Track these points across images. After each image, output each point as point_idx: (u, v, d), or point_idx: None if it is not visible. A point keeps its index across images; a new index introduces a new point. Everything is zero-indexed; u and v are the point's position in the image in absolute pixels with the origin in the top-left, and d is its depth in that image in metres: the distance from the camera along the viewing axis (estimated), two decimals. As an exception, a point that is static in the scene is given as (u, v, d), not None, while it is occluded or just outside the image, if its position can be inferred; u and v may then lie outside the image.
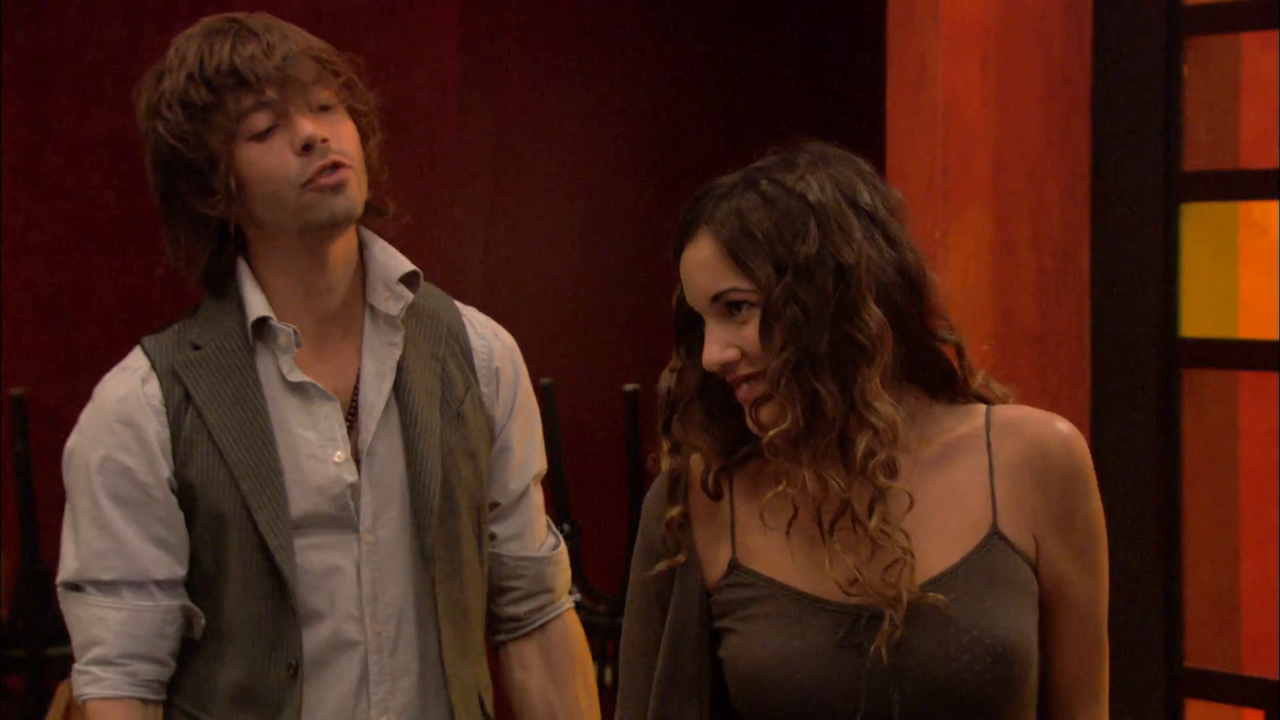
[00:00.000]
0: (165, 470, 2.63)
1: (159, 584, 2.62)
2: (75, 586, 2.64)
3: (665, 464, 2.37)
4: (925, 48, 3.69)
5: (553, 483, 5.02)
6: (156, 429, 2.64)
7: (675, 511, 2.35)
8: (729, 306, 2.29)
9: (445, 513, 2.70)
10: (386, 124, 6.30)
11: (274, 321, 2.67)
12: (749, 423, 2.30)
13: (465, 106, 5.96)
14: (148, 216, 6.13)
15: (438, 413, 2.73)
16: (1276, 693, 3.64)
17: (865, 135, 4.63)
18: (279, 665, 2.63)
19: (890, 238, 2.30)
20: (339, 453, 2.67)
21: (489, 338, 2.89)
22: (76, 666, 2.62)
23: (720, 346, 2.30)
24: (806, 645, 2.28)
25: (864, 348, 2.27)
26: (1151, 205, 3.73)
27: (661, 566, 2.36)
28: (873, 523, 2.24)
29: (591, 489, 5.27)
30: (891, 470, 2.25)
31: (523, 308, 6.00)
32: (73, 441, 2.70)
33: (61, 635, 4.63)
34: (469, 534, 2.74)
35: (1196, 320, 3.73)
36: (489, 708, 2.80)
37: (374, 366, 2.71)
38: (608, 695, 4.83)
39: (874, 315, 2.27)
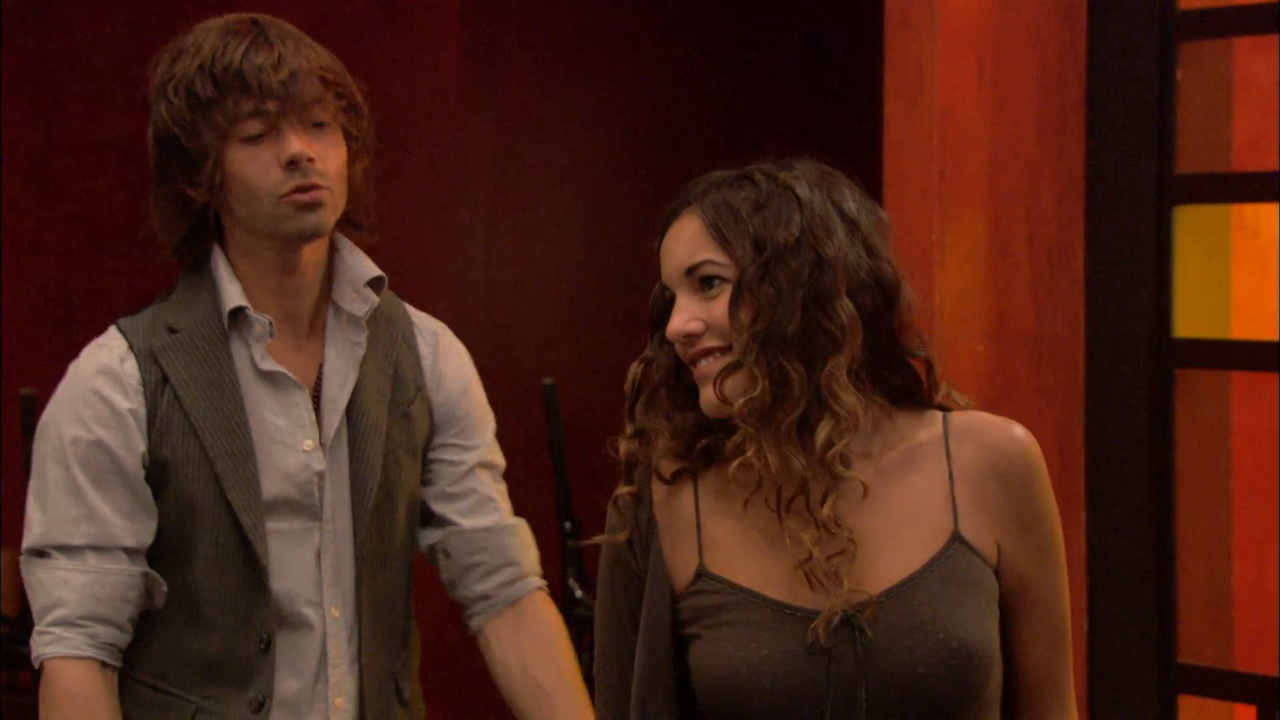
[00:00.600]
0: (140, 446, 2.66)
1: (126, 550, 2.63)
2: (40, 552, 2.64)
3: (624, 448, 2.37)
4: (922, 51, 3.68)
5: (554, 481, 5.01)
6: (132, 406, 2.67)
7: (626, 490, 2.36)
8: (702, 282, 2.30)
9: (381, 510, 2.77)
10: (389, 127, 6.29)
11: (250, 311, 2.72)
12: (709, 397, 2.29)
13: (467, 109, 5.94)
14: (156, 218, 6.11)
15: (386, 413, 2.79)
16: (1268, 688, 3.64)
17: (863, 137, 4.61)
18: (251, 639, 2.67)
19: (870, 248, 2.31)
20: (308, 441, 2.72)
21: (433, 341, 2.94)
22: (37, 629, 2.63)
23: (687, 318, 2.31)
24: (774, 652, 2.26)
25: (833, 336, 2.27)
26: (1145, 207, 3.72)
27: (598, 539, 2.37)
28: (824, 510, 2.25)
29: (593, 488, 5.24)
30: (847, 461, 2.25)
31: (525, 308, 5.98)
32: (48, 414, 2.73)
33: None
34: (402, 529, 2.81)
35: (1190, 321, 3.72)
36: (408, 694, 2.87)
37: (338, 362, 2.77)
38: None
39: (845, 308, 2.28)
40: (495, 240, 5.97)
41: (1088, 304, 3.76)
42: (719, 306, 2.29)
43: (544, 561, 5.43)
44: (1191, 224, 3.73)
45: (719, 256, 2.30)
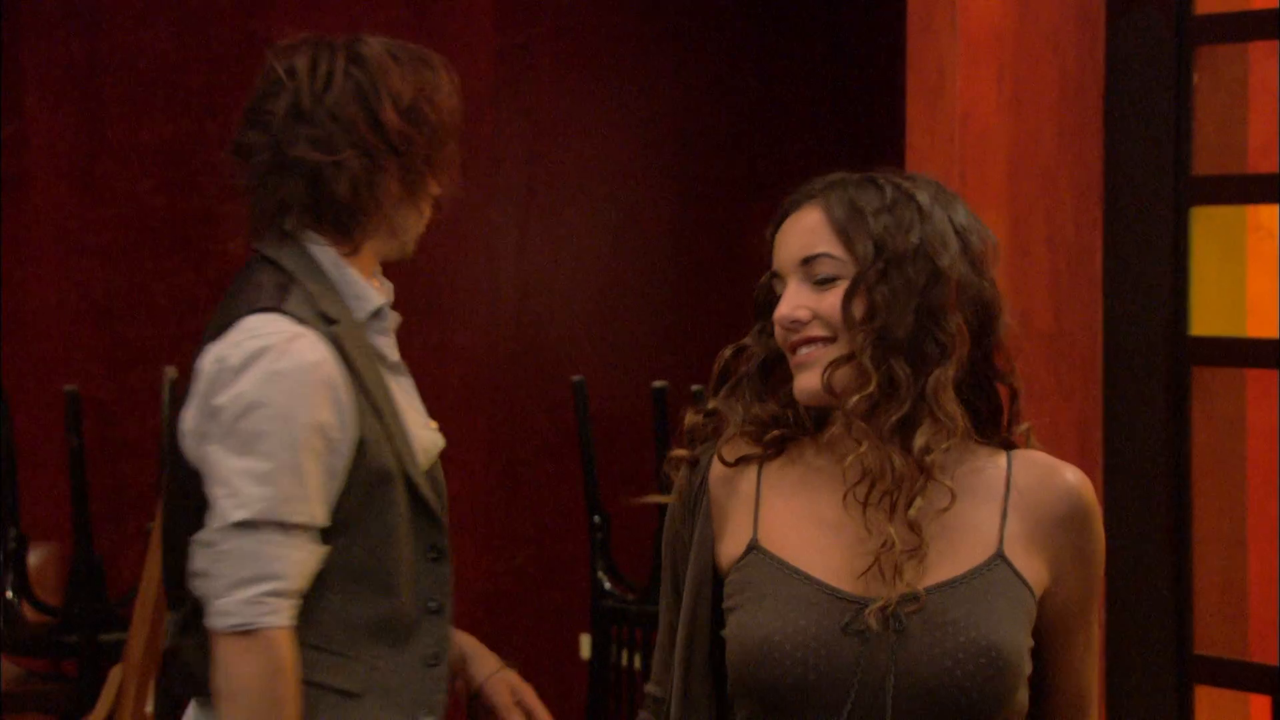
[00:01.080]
0: (354, 430, 2.73)
1: (322, 532, 2.70)
2: (254, 525, 2.67)
3: (689, 419, 2.40)
4: (943, 57, 3.68)
5: (583, 476, 5.02)
6: (345, 391, 2.75)
7: (680, 452, 2.39)
8: (816, 276, 2.31)
9: None
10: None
11: (388, 308, 2.89)
12: (809, 383, 2.29)
13: (500, 115, 5.95)
14: (195, 220, 6.17)
15: None
16: (1282, 679, 3.64)
17: (885, 140, 4.62)
18: (425, 603, 2.78)
19: (977, 266, 2.33)
20: (431, 422, 2.91)
21: None
22: (245, 596, 2.66)
23: (796, 304, 2.31)
24: (811, 625, 2.28)
25: (942, 346, 2.29)
26: (1162, 208, 3.72)
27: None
28: (912, 510, 2.26)
29: (621, 482, 5.26)
30: (942, 468, 2.28)
31: (555, 307, 5.99)
32: (267, 395, 2.72)
33: (113, 622, 4.63)
34: None
35: (1205, 319, 3.72)
36: None
37: (396, 359, 2.91)
38: (639, 684, 4.78)
39: (955, 321, 2.29)
40: (526, 240, 5.98)
41: (1106, 303, 3.75)
42: (830, 299, 2.30)
43: (573, 555, 5.46)
44: (1207, 225, 3.73)
45: (837, 251, 2.31)
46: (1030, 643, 2.30)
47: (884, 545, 2.28)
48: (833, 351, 2.29)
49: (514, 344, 5.97)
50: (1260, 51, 3.79)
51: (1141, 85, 3.72)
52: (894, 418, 2.27)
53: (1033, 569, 2.31)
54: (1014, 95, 3.70)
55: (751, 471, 2.37)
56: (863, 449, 2.27)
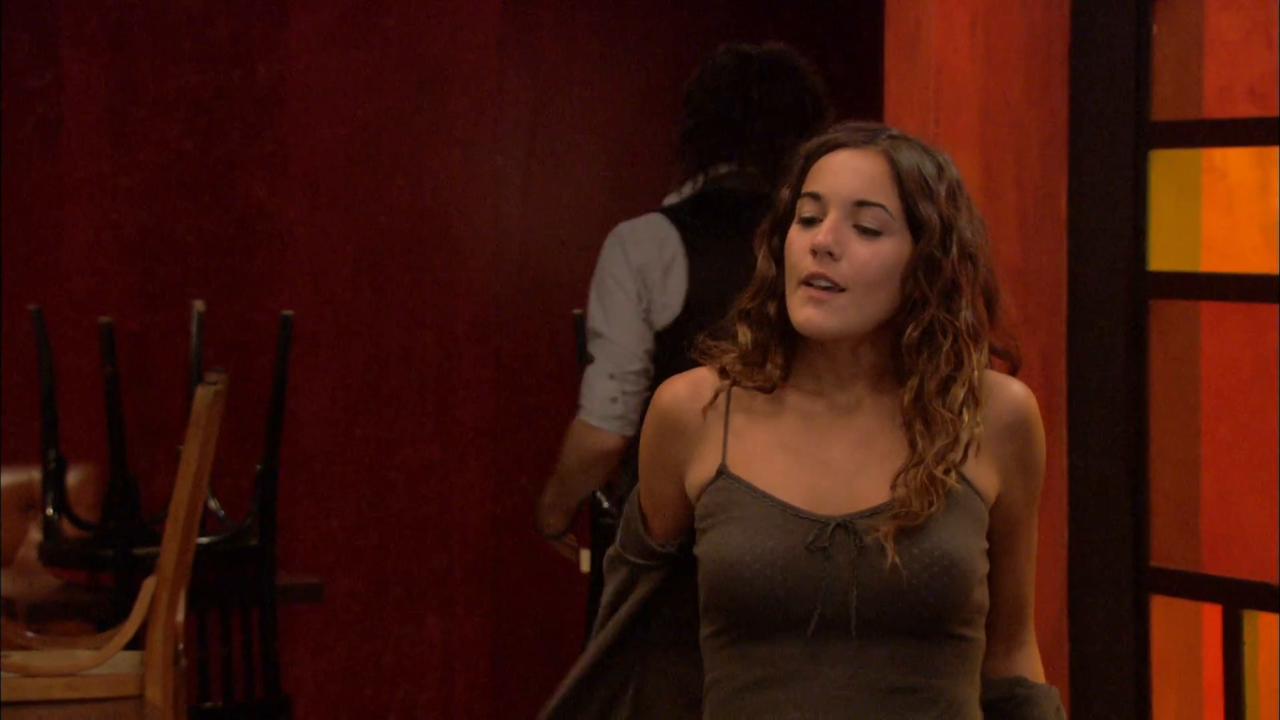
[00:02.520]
0: None
1: None
2: None
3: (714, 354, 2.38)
4: (919, 11, 3.68)
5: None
6: None
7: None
8: (863, 222, 2.26)
9: None
10: (432, 80, 6.30)
11: None
12: (815, 317, 2.27)
13: (505, 65, 5.94)
14: (221, 164, 6.17)
15: None
16: (1233, 588, 3.64)
17: (865, 90, 4.60)
18: None
19: (989, 256, 2.34)
20: None
21: None
22: None
23: (837, 238, 2.26)
24: (778, 545, 2.27)
25: (978, 335, 2.30)
26: (1122, 152, 3.72)
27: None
28: (940, 469, 2.27)
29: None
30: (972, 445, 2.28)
31: (558, 247, 5.98)
32: None
33: (146, 537, 4.64)
34: None
35: (1163, 255, 3.72)
36: None
37: None
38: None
39: (980, 305, 2.31)
40: (530, 183, 5.97)
41: (1070, 240, 3.75)
42: (869, 251, 2.26)
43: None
44: (1165, 167, 3.73)
45: (894, 208, 2.26)
46: (985, 545, 2.30)
47: (842, 467, 2.29)
48: (844, 300, 2.27)
49: (518, 280, 5.97)
50: (1215, 5, 3.78)
51: (1104, 36, 3.71)
52: (962, 391, 2.27)
53: (983, 476, 2.31)
54: (985, 47, 3.69)
55: (721, 400, 2.35)
56: (946, 415, 2.26)
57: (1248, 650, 3.62)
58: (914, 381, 2.28)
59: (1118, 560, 3.70)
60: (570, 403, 4.16)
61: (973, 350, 2.28)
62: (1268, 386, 3.73)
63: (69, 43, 5.72)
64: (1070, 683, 3.73)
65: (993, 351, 2.34)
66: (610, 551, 2.44)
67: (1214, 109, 3.77)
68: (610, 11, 6.02)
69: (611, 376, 3.92)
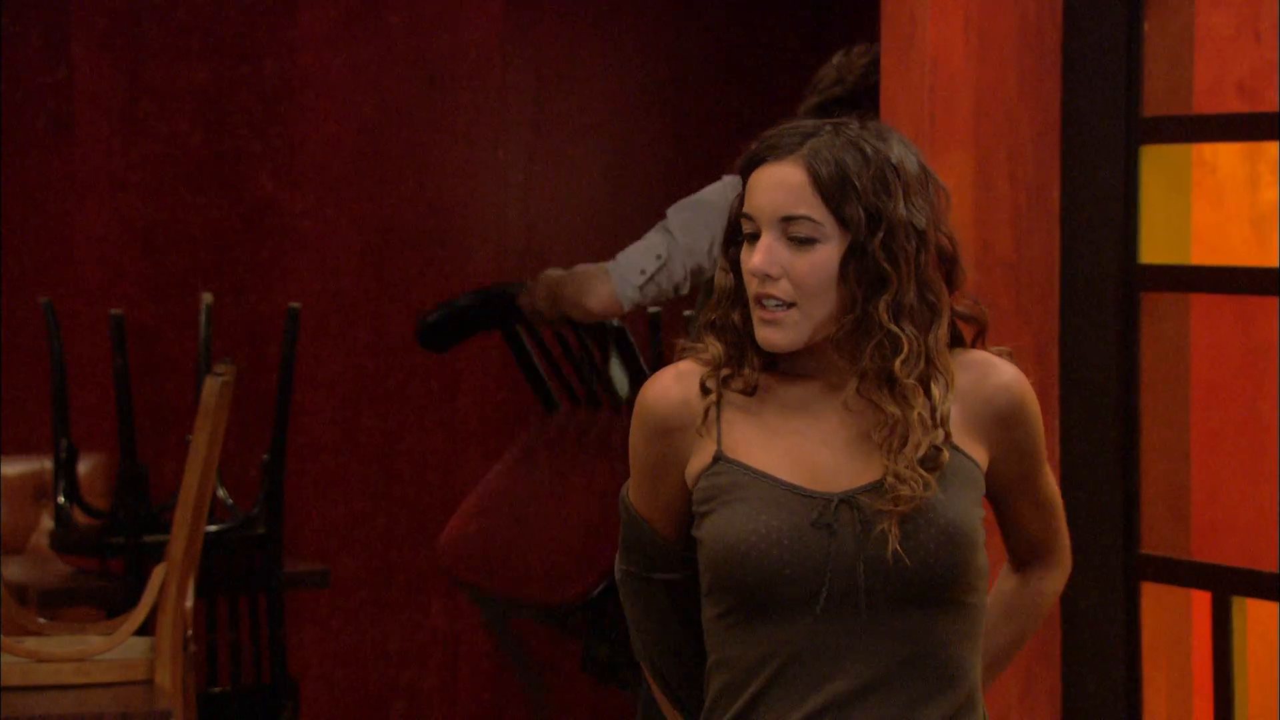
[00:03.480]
0: None
1: None
2: None
3: (679, 346, 2.38)
4: (915, 9, 3.67)
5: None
6: None
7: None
8: (794, 235, 2.25)
9: None
10: (437, 75, 6.30)
11: None
12: (772, 336, 2.27)
13: (508, 61, 5.94)
14: (230, 157, 6.17)
15: None
16: (1222, 575, 3.64)
17: (861, 85, 4.60)
18: None
19: (942, 222, 2.30)
20: None
21: None
22: None
23: (770, 260, 2.26)
24: (783, 524, 2.26)
25: (934, 307, 2.27)
26: (1114, 147, 3.71)
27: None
28: (919, 453, 2.26)
29: (620, 397, 5.25)
30: (946, 420, 2.27)
31: (559, 240, 5.99)
32: None
33: (156, 525, 4.65)
34: None
35: (1153, 248, 3.72)
36: None
37: None
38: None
39: (938, 279, 2.28)
40: (532, 177, 5.97)
41: (1062, 233, 3.75)
42: (805, 261, 2.25)
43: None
44: (1156, 162, 3.72)
45: (820, 215, 2.24)
46: (982, 513, 2.31)
47: (838, 445, 2.29)
48: (795, 315, 2.26)
49: (521, 272, 5.97)
50: (1206, 1, 3.77)
51: (1096, 33, 3.71)
52: (912, 378, 2.25)
53: (975, 450, 2.32)
54: (979, 43, 3.69)
55: (711, 388, 2.34)
56: (891, 409, 2.25)
57: (1237, 636, 3.62)
58: (853, 380, 2.28)
59: (1108, 547, 3.70)
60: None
61: (921, 329, 2.26)
62: (1257, 377, 3.73)
63: (80, 39, 5.72)
64: (1061, 668, 3.73)
65: (958, 317, 2.33)
66: (618, 576, 2.43)
67: (1204, 104, 3.76)
68: (611, 8, 6.02)
69: (659, 258, 3.98)
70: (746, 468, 2.30)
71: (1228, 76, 3.74)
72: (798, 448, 2.30)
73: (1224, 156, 3.84)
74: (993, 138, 3.71)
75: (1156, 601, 3.73)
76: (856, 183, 2.24)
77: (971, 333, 2.36)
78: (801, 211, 2.25)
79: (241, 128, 5.78)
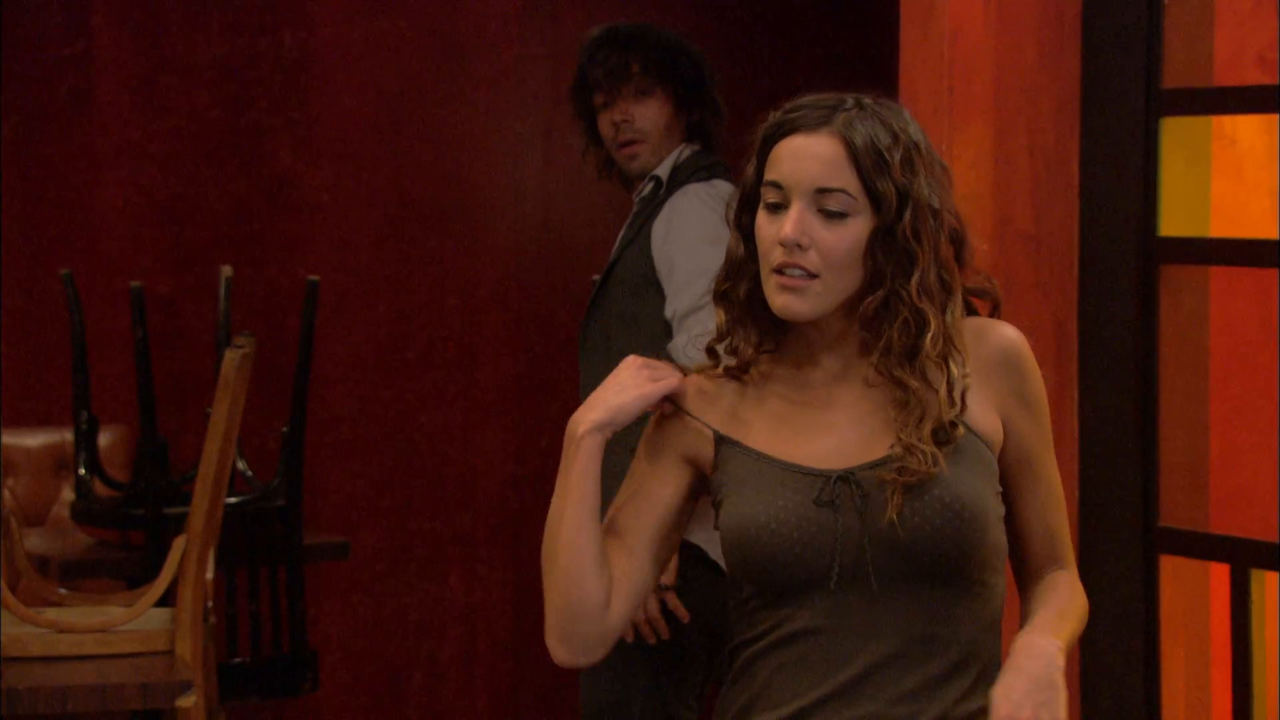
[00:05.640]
0: None
1: None
2: None
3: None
4: (934, -20, 3.66)
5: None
6: None
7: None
8: (827, 208, 2.25)
9: None
10: (457, 50, 6.28)
11: None
12: (792, 304, 2.26)
13: (526, 34, 5.92)
14: (249, 131, 6.15)
15: None
16: (1240, 548, 3.63)
17: (880, 60, 4.58)
18: None
19: (951, 202, 2.32)
20: None
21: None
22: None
23: (802, 230, 2.25)
24: (787, 504, 2.26)
25: (948, 286, 2.29)
26: (1134, 119, 3.70)
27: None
28: (925, 431, 2.26)
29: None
30: (964, 396, 2.28)
31: (576, 211, 5.97)
32: None
33: (176, 497, 4.65)
34: None
35: (1173, 221, 3.70)
36: None
37: None
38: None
39: (950, 256, 2.29)
40: (550, 150, 5.96)
41: (1081, 206, 3.74)
42: (836, 235, 2.25)
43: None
44: (1176, 134, 3.71)
45: (855, 189, 2.24)
46: (997, 488, 2.29)
47: (841, 427, 2.28)
48: (818, 286, 2.26)
49: (539, 246, 5.96)
50: (1226, -27, 3.76)
51: (1115, 4, 3.70)
52: (935, 355, 2.25)
53: (985, 420, 2.30)
54: (999, 16, 3.67)
55: (716, 380, 2.36)
56: (914, 383, 2.25)
57: (1254, 609, 3.61)
58: (875, 355, 2.27)
59: (1127, 520, 3.70)
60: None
61: (940, 307, 2.26)
62: (1276, 350, 3.71)
63: (99, 12, 5.71)
64: (1080, 641, 3.72)
65: (971, 293, 2.33)
66: None
67: (1224, 76, 3.75)
68: (629, -18, 6.00)
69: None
70: (751, 451, 2.30)
71: (1248, 48, 3.72)
72: (803, 429, 2.30)
73: (1244, 128, 3.82)
74: (1012, 111, 3.70)
75: (1175, 574, 3.72)
76: (889, 159, 2.24)
77: (986, 308, 2.36)
78: (838, 184, 2.25)
79: (261, 101, 5.77)
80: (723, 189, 3.78)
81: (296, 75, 5.78)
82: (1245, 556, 3.61)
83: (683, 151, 3.90)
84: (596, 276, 3.92)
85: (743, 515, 2.27)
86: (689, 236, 3.68)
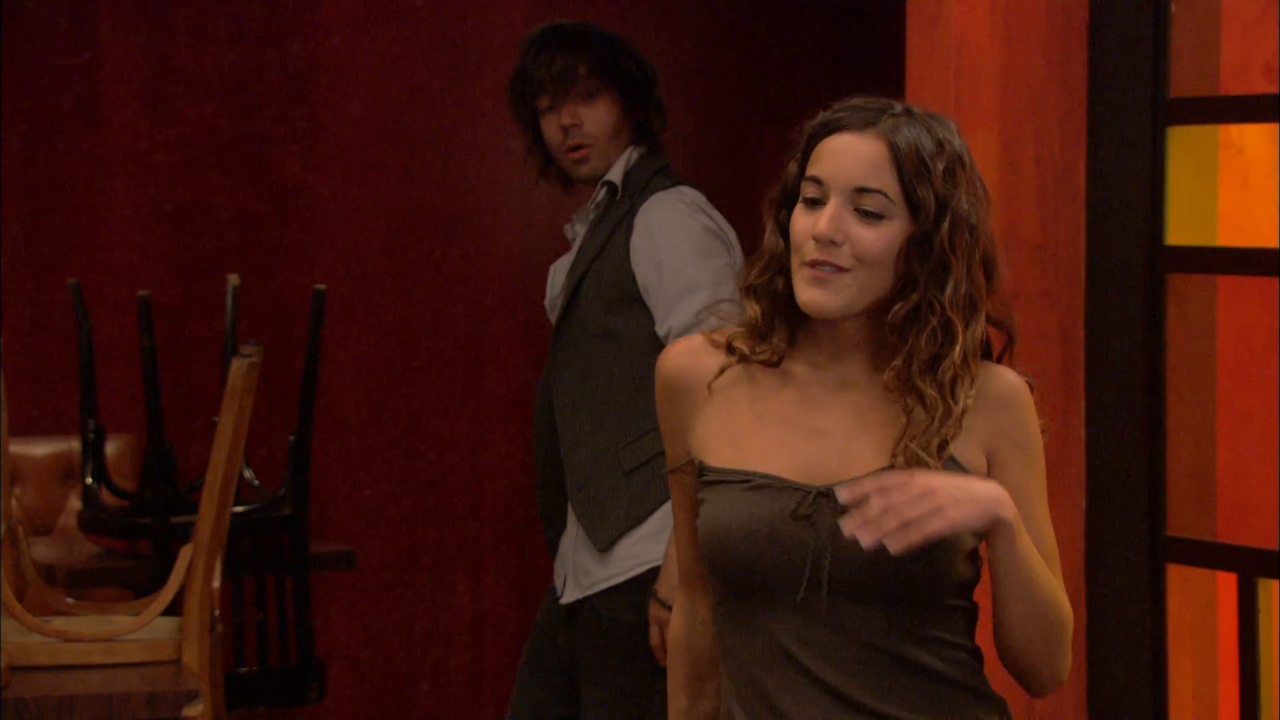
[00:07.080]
0: None
1: None
2: None
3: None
4: (940, -11, 3.66)
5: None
6: None
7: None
8: (865, 207, 2.25)
9: None
10: (463, 58, 6.28)
11: None
12: (820, 299, 2.26)
13: (533, 43, 5.92)
14: (255, 140, 6.15)
15: None
16: (1247, 557, 3.63)
17: (887, 67, 4.58)
18: None
19: (990, 225, 2.31)
20: None
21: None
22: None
23: (838, 227, 2.25)
24: (764, 514, 2.26)
25: (975, 305, 2.27)
26: (1141, 128, 3.70)
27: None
28: (948, 450, 2.26)
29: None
30: (965, 410, 2.27)
31: (584, 220, 5.97)
32: None
33: (182, 506, 4.65)
34: None
35: (1180, 230, 3.70)
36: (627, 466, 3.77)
37: None
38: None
39: (980, 278, 2.28)
40: (558, 159, 5.95)
41: (1088, 215, 3.74)
42: (871, 235, 2.24)
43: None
44: (1182, 143, 3.70)
45: (894, 192, 2.24)
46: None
47: (835, 438, 2.27)
48: (848, 280, 2.26)
49: (545, 255, 5.96)
50: (1233, -18, 3.75)
51: (1122, 13, 3.69)
52: (957, 368, 2.25)
53: (970, 453, 2.29)
54: (1005, 24, 3.67)
55: (722, 370, 2.35)
56: (931, 393, 2.24)
57: (1262, 617, 3.61)
58: (899, 360, 2.27)
59: (1135, 530, 3.69)
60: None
61: (964, 324, 2.26)
62: (1283, 359, 3.71)
63: (106, 22, 5.72)
64: (1087, 650, 3.72)
65: (990, 321, 2.33)
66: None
67: (1231, 85, 3.74)
68: (636, -9, 6.00)
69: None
70: (739, 455, 2.30)
71: (1255, 57, 3.72)
72: (795, 436, 2.30)
73: (1250, 138, 3.82)
74: (1019, 119, 3.69)
75: (1182, 583, 3.72)
76: (931, 167, 2.24)
77: (1000, 341, 2.35)
78: (877, 185, 2.25)
79: (268, 110, 5.77)
80: (692, 196, 3.74)
81: (303, 85, 5.78)
82: (1253, 566, 3.60)
83: (631, 155, 3.82)
84: (555, 295, 3.88)
85: (717, 520, 2.28)
86: (677, 251, 3.63)
